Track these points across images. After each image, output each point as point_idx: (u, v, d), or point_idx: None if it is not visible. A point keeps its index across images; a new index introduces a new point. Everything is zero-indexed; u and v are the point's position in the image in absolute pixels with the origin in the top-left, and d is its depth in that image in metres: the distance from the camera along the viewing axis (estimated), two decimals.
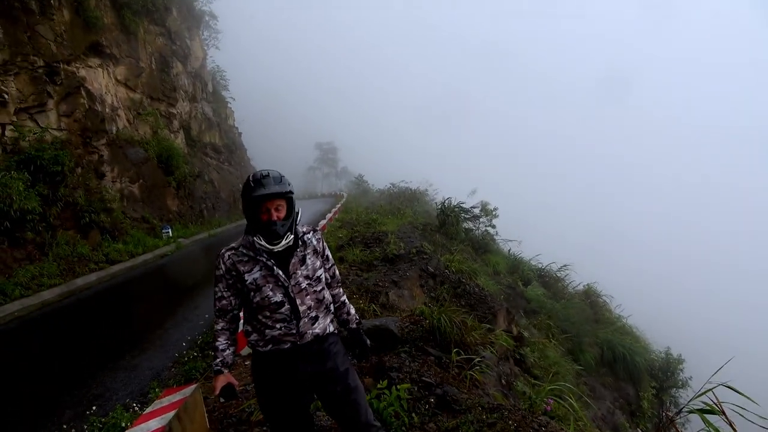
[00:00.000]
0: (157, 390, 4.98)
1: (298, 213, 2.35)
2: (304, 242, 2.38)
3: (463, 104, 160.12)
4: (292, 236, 2.29)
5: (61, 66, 13.02)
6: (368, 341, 2.71)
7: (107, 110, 15.63)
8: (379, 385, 3.81)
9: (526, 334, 8.88)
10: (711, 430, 3.40)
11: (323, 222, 15.84)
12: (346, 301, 2.69)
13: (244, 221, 2.35)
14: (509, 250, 17.61)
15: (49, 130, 12.22)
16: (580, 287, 16.64)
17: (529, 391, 5.76)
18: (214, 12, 31.96)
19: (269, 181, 2.20)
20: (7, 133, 11.14)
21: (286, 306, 2.25)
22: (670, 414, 10.70)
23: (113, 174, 15.01)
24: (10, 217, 9.84)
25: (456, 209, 16.41)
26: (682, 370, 12.97)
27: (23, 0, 11.76)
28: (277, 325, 2.26)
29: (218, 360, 2.33)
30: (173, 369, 5.91)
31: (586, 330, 11.55)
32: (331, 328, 2.44)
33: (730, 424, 3.30)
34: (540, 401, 5.08)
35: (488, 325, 6.67)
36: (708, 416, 3.48)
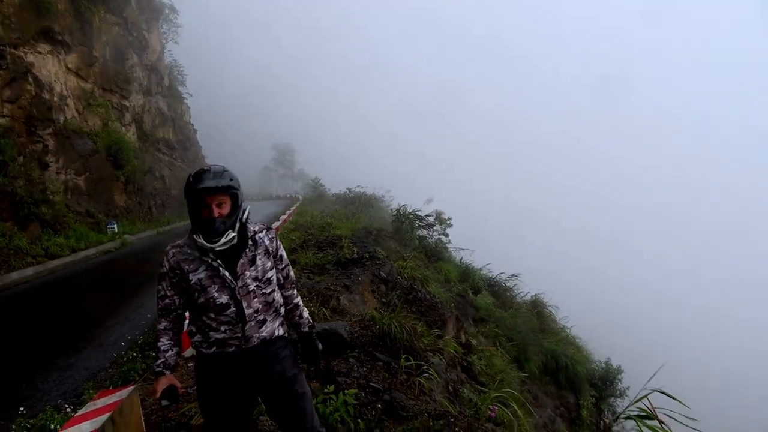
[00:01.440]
0: (91, 391, 4.76)
1: (245, 210, 2.26)
2: (255, 242, 2.29)
3: (452, 101, 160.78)
4: (234, 234, 2.17)
5: (8, 50, 12.41)
6: (320, 346, 2.64)
7: (55, 99, 14.95)
8: (326, 390, 3.78)
9: (474, 341, 9.02)
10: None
11: (277, 224, 15.63)
12: (300, 303, 2.59)
13: None
14: (461, 259, 17.85)
15: None
16: (528, 297, 17.02)
17: (475, 398, 5.84)
18: (174, 6, 31.24)
19: (209, 176, 2.10)
20: None
21: (232, 308, 2.18)
22: (607, 421, 11.09)
23: (58, 165, 14.35)
24: None
25: (411, 216, 16.53)
26: (620, 380, 13.40)
27: None
28: (222, 328, 2.19)
29: (160, 361, 2.24)
30: (110, 369, 5.67)
31: (532, 339, 11.80)
32: (281, 332, 2.37)
33: (661, 425, 3.46)
34: (485, 408, 5.17)
35: (438, 332, 6.73)
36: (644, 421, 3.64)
